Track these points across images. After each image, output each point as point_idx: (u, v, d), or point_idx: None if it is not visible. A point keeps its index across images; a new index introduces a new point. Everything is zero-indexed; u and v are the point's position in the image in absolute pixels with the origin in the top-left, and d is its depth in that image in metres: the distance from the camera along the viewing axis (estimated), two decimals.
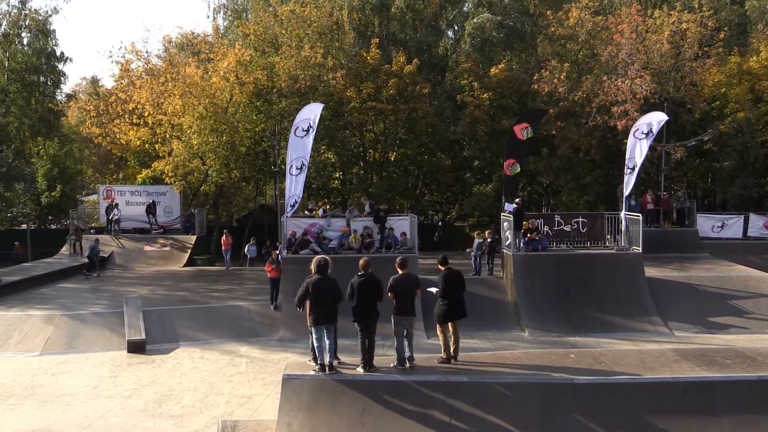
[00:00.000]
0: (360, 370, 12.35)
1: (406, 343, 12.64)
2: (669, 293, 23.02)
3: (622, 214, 24.80)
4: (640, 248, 23.55)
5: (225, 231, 30.81)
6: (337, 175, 38.92)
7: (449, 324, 12.92)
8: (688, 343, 19.17)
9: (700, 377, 12.20)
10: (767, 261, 28.58)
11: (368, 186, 36.14)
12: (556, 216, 26.40)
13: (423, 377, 12.21)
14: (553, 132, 34.98)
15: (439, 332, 13.03)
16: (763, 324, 21.69)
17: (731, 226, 30.65)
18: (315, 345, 12.26)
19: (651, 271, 24.37)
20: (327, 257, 12.87)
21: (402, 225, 25.00)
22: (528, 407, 11.69)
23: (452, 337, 12.95)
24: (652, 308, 22.10)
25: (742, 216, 31.22)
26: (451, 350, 12.84)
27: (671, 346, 16.45)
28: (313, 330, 12.27)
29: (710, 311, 22.26)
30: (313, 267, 12.31)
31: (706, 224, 30.67)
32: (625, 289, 22.54)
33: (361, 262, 12.60)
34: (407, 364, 12.56)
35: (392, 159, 37.54)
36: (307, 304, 12.24)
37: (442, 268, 12.98)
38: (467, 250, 25.88)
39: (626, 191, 25.17)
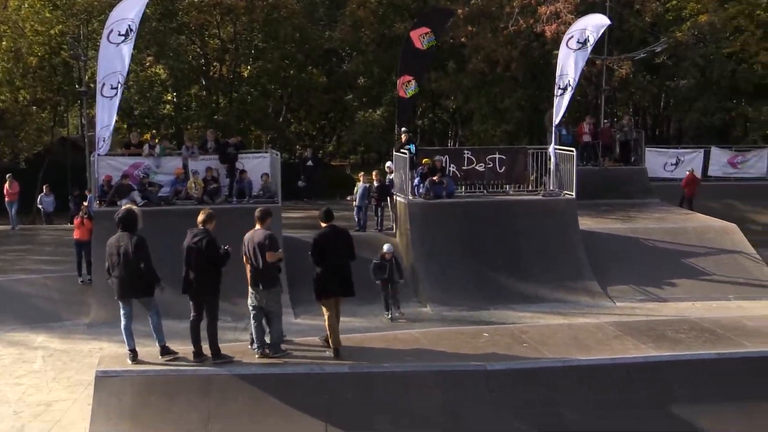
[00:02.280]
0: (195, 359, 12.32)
1: (261, 324, 12.69)
2: (610, 251, 23.99)
3: (551, 148, 25.51)
4: (574, 193, 24.35)
5: (8, 175, 29.67)
6: (170, 98, 38.09)
7: (331, 303, 12.96)
8: (633, 315, 20.09)
9: (648, 357, 12.83)
10: (731, 207, 30.23)
11: (212, 112, 35.56)
12: (465, 151, 26.86)
13: (291, 369, 12.29)
14: (462, 40, 35.40)
15: (324, 311, 13.07)
16: (725, 288, 22.99)
17: (688, 164, 32.11)
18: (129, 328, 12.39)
19: (587, 223, 25.30)
20: (134, 207, 12.68)
21: (259, 165, 24.83)
22: (428, 402, 11.98)
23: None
24: (588, 271, 22.98)
25: (702, 150, 32.78)
26: (336, 339, 12.92)
27: (611, 319, 17.19)
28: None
29: (661, 273, 23.37)
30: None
31: (657, 161, 32.04)
32: (555, 247, 23.29)
33: (201, 215, 12.46)
34: (268, 351, 12.61)
35: (245, 75, 37.05)
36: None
37: (324, 225, 12.99)
38: (348, 198, 26.02)
39: (556, 119, 25.87)
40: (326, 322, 12.96)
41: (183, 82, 36.60)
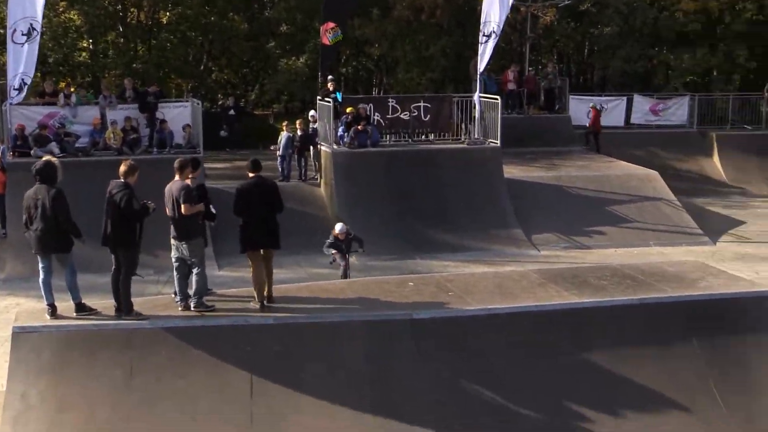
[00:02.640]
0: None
1: (184, 276, 12.61)
2: (534, 199, 24.32)
3: (476, 96, 25.64)
4: (499, 141, 24.57)
5: None
6: (85, 45, 37.18)
7: (257, 255, 12.88)
8: (557, 262, 20.47)
9: (571, 304, 13.07)
10: (653, 154, 30.80)
11: (131, 60, 34.85)
12: (390, 100, 26.87)
13: (215, 321, 12.23)
14: None
15: (251, 263, 13.01)
16: (646, 234, 23.52)
17: (611, 111, 32.57)
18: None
19: (512, 171, 25.58)
20: (53, 159, 12.43)
21: (180, 115, 24.52)
22: (353, 353, 12.06)
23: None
24: (513, 219, 23.30)
25: (625, 98, 33.25)
26: (261, 292, 12.86)
27: (536, 267, 17.46)
28: None
29: (584, 221, 23.79)
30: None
31: (581, 109, 32.36)
32: (480, 196, 23.54)
33: (122, 167, 12.25)
34: (191, 304, 12.53)
35: (165, 22, 36.33)
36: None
37: (251, 176, 12.88)
38: (272, 148, 25.85)
39: (481, 66, 25.95)
40: (252, 274, 12.91)
41: (99, 29, 35.76)
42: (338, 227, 17.59)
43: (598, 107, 30.74)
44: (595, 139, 30.28)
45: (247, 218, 12.70)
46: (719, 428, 12.14)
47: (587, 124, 30.70)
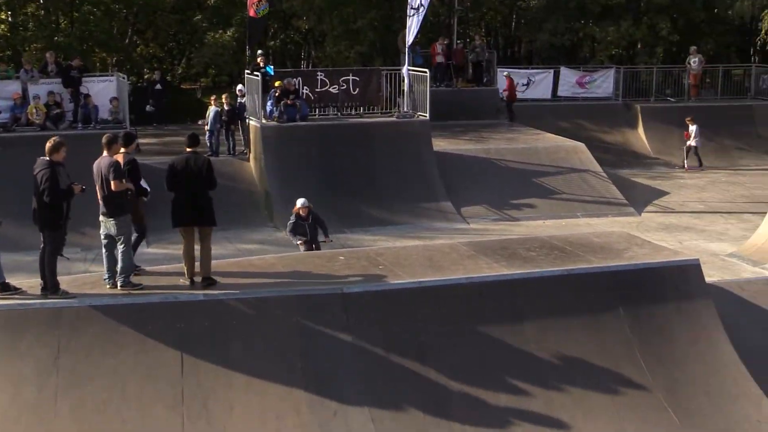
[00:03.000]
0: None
1: (115, 253, 12.44)
2: (463, 172, 24.48)
3: (405, 69, 25.63)
4: (428, 114, 24.64)
5: None
6: (4, 17, 36.29)
7: (189, 231, 12.74)
8: (486, 235, 20.65)
9: (499, 275, 13.21)
10: (580, 127, 31.21)
11: (52, 33, 34.09)
12: (318, 73, 26.74)
13: (143, 299, 12.12)
14: None
15: (183, 241, 12.87)
16: (574, 206, 23.85)
17: (539, 84, 32.90)
18: None
19: (441, 144, 25.70)
20: None
21: (105, 89, 24.15)
22: (286, 328, 12.06)
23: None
24: (443, 192, 23.43)
25: (552, 71, 33.57)
26: (190, 269, 12.73)
27: (466, 239, 17.61)
28: None
29: (513, 193, 24.05)
30: None
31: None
32: (409, 169, 23.62)
33: (48, 143, 12.00)
34: (118, 281, 12.38)
35: None
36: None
37: (187, 151, 12.71)
38: (199, 122, 25.62)
39: (409, 39, 25.95)
40: (182, 250, 12.79)
41: (18, 0, 34.92)
42: (299, 202, 16.37)
43: (511, 75, 30.92)
44: (509, 109, 30.56)
45: (177, 194, 12.56)
46: (644, 398, 12.41)
47: (503, 94, 30.91)
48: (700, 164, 30.09)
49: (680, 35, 37.51)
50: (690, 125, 29.70)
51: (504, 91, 30.62)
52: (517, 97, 31.30)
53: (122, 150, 12.62)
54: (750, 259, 19.26)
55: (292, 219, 16.27)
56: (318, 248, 16.12)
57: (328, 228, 16.57)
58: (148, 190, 13.09)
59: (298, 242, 16.07)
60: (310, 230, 16.18)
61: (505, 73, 30.90)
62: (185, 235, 12.73)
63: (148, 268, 13.54)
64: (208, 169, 12.55)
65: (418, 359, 12.17)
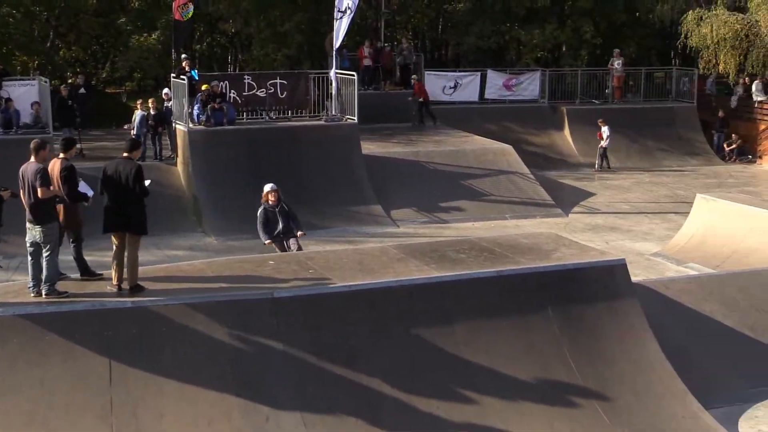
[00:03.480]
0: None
1: (39, 261, 12.22)
2: (392, 175, 24.61)
3: (332, 72, 25.63)
4: (356, 117, 24.68)
5: None
6: None
7: (120, 237, 12.56)
8: (416, 237, 20.75)
9: (429, 278, 13.28)
10: (507, 129, 31.54)
11: None
12: (246, 77, 26.61)
13: (70, 306, 11.92)
14: None
15: (114, 246, 12.69)
16: (502, 207, 24.10)
17: (466, 87, 33.12)
18: None
19: (370, 147, 25.77)
20: None
21: (27, 93, 23.73)
22: (216, 334, 11.96)
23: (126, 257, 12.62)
24: (372, 196, 23.50)
25: (479, 73, 33.83)
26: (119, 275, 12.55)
27: (396, 242, 17.66)
28: None
29: (442, 195, 24.21)
30: None
31: (437, 84, 32.82)
32: (339, 173, 23.65)
33: None
34: (43, 290, 12.16)
35: None
36: None
37: (124, 156, 12.51)
38: (125, 127, 25.31)
39: (336, 42, 25.95)
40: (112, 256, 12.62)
41: None
42: (267, 186, 15.93)
43: (418, 78, 30.86)
44: (427, 109, 30.57)
45: (107, 199, 12.41)
46: (574, 397, 12.58)
47: (413, 96, 30.71)
48: (608, 166, 30.59)
49: (603, 38, 38.10)
50: (602, 126, 30.18)
51: (414, 94, 30.55)
52: (438, 99, 31.52)
53: (61, 155, 12.39)
54: (674, 258, 19.68)
55: (261, 209, 15.87)
56: (295, 243, 15.78)
57: (297, 217, 16.15)
58: (89, 194, 12.83)
59: (267, 241, 15.75)
60: (282, 220, 15.80)
61: (414, 78, 30.80)
62: (116, 241, 12.57)
63: (74, 276, 13.32)
64: (136, 176, 12.27)
65: (349, 363, 12.17)
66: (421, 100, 30.34)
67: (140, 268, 12.66)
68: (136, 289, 12.43)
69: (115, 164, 12.43)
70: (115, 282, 12.52)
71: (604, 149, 30.41)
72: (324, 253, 15.79)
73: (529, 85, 34.12)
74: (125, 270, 12.53)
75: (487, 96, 33.70)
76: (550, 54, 40.58)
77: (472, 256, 14.41)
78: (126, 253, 12.51)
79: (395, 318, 12.73)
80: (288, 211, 15.94)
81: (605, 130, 30.09)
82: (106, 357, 11.49)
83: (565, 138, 32.85)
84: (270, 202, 15.86)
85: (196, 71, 25.67)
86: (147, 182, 12.61)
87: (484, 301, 13.23)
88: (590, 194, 26.84)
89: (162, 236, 20.09)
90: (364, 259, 14.44)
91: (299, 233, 15.94)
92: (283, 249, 15.72)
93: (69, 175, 12.40)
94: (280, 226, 15.84)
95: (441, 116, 31.03)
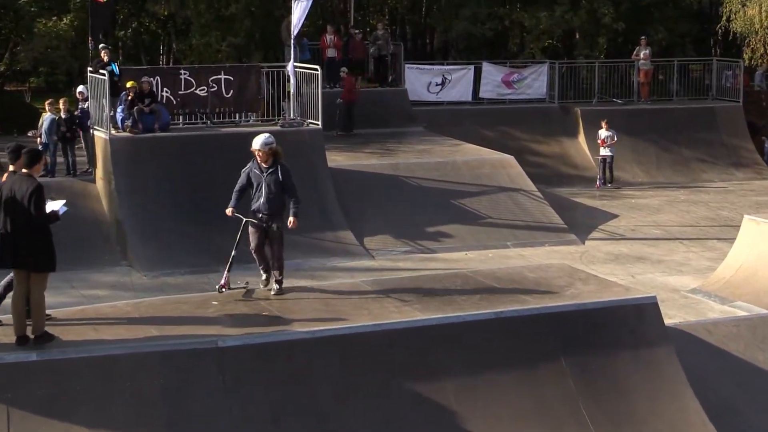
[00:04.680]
0: None
1: None
2: (366, 194, 24.61)
3: (290, 66, 25.64)
4: (320, 122, 24.68)
5: None
6: None
7: (21, 275, 12.47)
8: (395, 271, 20.74)
9: (411, 321, 13.23)
10: (507, 135, 31.71)
11: None
12: (182, 71, 26.58)
13: None
14: None
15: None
16: (503, 233, 24.14)
17: (456, 83, 33.25)
18: None
19: (337, 158, 25.79)
20: None
21: None
22: (146, 393, 11.89)
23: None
24: (340, 219, 23.50)
25: (472, 67, 33.94)
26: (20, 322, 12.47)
27: (370, 277, 17.64)
28: None
29: (427, 218, 24.22)
30: None
31: (420, 80, 32.94)
32: (299, 191, 23.50)
33: None
34: None
35: None
36: None
37: (11, 170, 12.41)
38: (30, 134, 25.19)
39: (295, 29, 25.99)
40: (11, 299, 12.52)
41: None
42: (259, 142, 14.48)
43: (347, 71, 30.39)
44: (348, 115, 29.89)
45: (1, 226, 12.28)
46: None
47: (341, 97, 29.90)
48: (611, 180, 30.66)
49: (626, 23, 38.23)
50: (603, 130, 30.23)
51: (342, 97, 29.90)
52: (421, 99, 31.60)
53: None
54: (717, 296, 19.69)
55: (247, 167, 14.69)
56: (278, 232, 14.57)
57: (296, 194, 14.58)
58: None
59: (229, 210, 14.78)
60: (269, 191, 14.32)
61: (341, 70, 30.36)
62: (17, 280, 12.47)
63: None
64: (32, 197, 11.90)
65: (317, 428, 12.13)
66: (345, 99, 29.85)
67: (51, 311, 12.60)
68: (42, 339, 12.31)
69: (10, 182, 12.31)
70: (16, 331, 12.42)
71: (607, 159, 30.40)
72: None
73: (535, 81, 34.26)
74: (23, 315, 12.45)
75: (482, 95, 33.82)
76: (560, 43, 40.79)
77: (466, 294, 14.42)
78: (30, 296, 12.42)
79: (371, 372, 12.69)
80: (284, 182, 14.39)
81: (608, 135, 30.11)
82: (5, 417, 11.40)
83: (580, 146, 32.99)
84: (259, 158, 14.48)
85: (116, 64, 25.61)
86: (59, 205, 12.52)
87: (480, 351, 13.21)
88: (612, 216, 26.92)
89: (76, 271, 19.97)
90: (331, 298, 14.41)
91: (291, 221, 14.56)
92: (261, 240, 14.61)
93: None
94: (262, 199, 14.47)
95: (426, 119, 31.12)
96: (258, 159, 14.57)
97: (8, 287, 12.92)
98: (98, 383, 11.85)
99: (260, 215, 14.59)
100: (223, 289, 14.59)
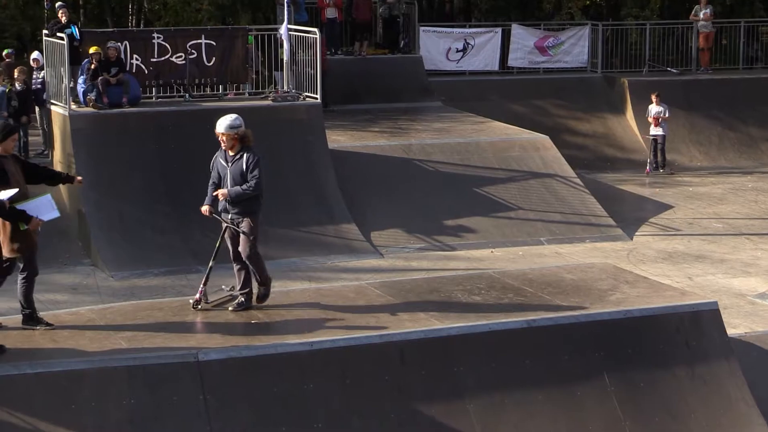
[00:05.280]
0: None
1: None
2: (373, 180, 24.62)
3: (283, 29, 25.62)
4: (319, 95, 24.66)
5: None
6: None
7: None
8: (409, 271, 20.78)
9: (428, 330, 13.27)
10: (541, 111, 31.73)
11: None
12: (155, 36, 26.56)
13: None
14: None
15: None
16: (535, 227, 24.14)
17: (481, 49, 33.23)
18: None
19: (339, 139, 25.80)
20: None
21: None
22: (113, 412, 11.92)
23: None
24: (343, 210, 23.48)
25: (499, 30, 33.88)
26: None
27: (378, 278, 17.67)
28: None
29: (446, 209, 24.22)
30: None
31: (438, 46, 32.94)
32: (293, 176, 23.62)
33: None
34: None
35: None
36: None
37: None
38: None
39: None
40: None
41: None
42: (224, 125, 13.83)
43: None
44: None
45: None
46: None
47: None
48: (664, 164, 30.64)
49: None
50: (654, 105, 30.12)
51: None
52: (439, 68, 31.62)
53: None
54: None
55: (216, 155, 14.31)
56: (238, 236, 14.06)
57: (254, 181, 13.75)
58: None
59: (204, 208, 14.41)
60: (236, 183, 13.85)
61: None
62: None
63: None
64: None
65: None
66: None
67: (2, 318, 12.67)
68: None
69: None
70: None
71: (658, 140, 30.30)
72: (273, 294, 15.80)
73: (574, 47, 34.24)
74: None
75: (511, 63, 33.82)
76: (604, 1, 40.75)
77: (491, 299, 14.45)
78: None
79: (380, 389, 12.74)
80: (246, 170, 13.80)
81: (659, 110, 30.04)
82: None
83: (627, 124, 32.96)
84: (223, 144, 14.02)
85: (78, 27, 25.60)
86: (7, 194, 12.58)
87: (509, 365, 13.26)
88: (665, 207, 26.88)
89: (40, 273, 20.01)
90: (332, 303, 14.45)
91: (242, 231, 14.02)
92: (235, 242, 14.24)
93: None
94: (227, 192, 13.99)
95: (444, 92, 31.11)
96: (223, 145, 13.99)
97: None
98: (57, 402, 11.91)
99: (229, 215, 14.11)
100: (198, 305, 14.21)
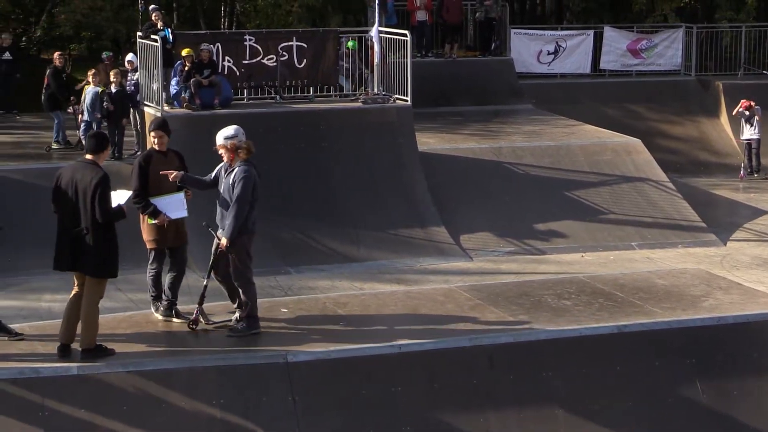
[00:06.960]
0: None
1: None
2: (463, 183, 24.53)
3: (374, 31, 25.64)
4: (409, 98, 24.65)
5: None
6: None
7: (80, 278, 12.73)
8: (498, 274, 20.68)
9: (518, 335, 13.25)
10: (633, 115, 31.48)
11: None
12: (247, 38, 26.71)
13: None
14: None
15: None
16: (627, 232, 23.94)
17: (572, 52, 33.05)
18: None
19: (429, 141, 25.76)
20: None
21: None
22: (202, 413, 12.01)
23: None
24: (433, 213, 23.44)
25: (591, 32, 33.70)
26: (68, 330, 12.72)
27: (467, 282, 17.65)
28: None
29: (536, 213, 24.11)
30: None
31: (529, 48, 32.80)
32: (383, 179, 23.63)
33: None
34: None
35: None
36: None
37: (87, 159, 12.62)
38: (71, 110, 25.54)
39: None
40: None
41: None
42: (219, 135, 13.96)
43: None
44: None
45: (58, 223, 12.53)
46: None
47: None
48: (758, 169, 30.20)
49: None
50: (746, 107, 29.68)
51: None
52: (531, 71, 31.49)
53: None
54: None
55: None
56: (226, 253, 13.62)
57: (239, 201, 13.44)
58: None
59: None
60: (224, 198, 13.69)
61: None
62: (76, 282, 12.72)
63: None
64: (96, 190, 12.13)
65: None
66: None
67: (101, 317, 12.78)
68: (91, 354, 12.49)
69: (71, 171, 12.50)
70: (61, 339, 12.60)
71: (753, 144, 29.89)
72: (361, 297, 15.84)
73: (667, 50, 33.95)
74: (71, 322, 12.67)
75: (603, 66, 33.62)
76: (698, 2, 40.37)
77: (582, 304, 14.39)
78: (82, 302, 12.62)
79: (468, 393, 12.73)
80: (230, 185, 13.54)
81: (753, 111, 29.61)
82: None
83: (721, 127, 32.63)
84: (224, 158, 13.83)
85: (171, 29, 25.79)
86: (125, 197, 12.68)
87: (599, 372, 13.19)
88: (760, 212, 26.54)
89: (123, 272, 20.09)
90: (421, 306, 14.45)
91: (222, 241, 13.49)
92: (224, 257, 13.82)
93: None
94: (218, 210, 13.83)
95: (535, 95, 30.98)
96: (223, 158, 13.80)
97: None
98: (148, 401, 12.02)
99: (219, 231, 13.74)
100: (194, 326, 13.68)
